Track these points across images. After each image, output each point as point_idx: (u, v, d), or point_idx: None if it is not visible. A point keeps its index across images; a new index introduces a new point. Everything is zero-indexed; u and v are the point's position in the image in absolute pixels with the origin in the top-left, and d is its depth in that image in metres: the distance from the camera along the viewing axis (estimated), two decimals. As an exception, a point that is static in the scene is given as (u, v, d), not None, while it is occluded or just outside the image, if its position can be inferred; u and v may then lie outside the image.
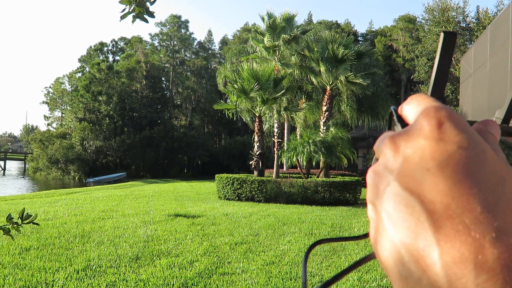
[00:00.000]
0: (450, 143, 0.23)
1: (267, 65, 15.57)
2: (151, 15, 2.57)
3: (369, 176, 0.27)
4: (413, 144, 0.24)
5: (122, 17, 2.51)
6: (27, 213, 2.27)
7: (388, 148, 0.25)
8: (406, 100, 0.28)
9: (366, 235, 0.39)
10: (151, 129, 35.66)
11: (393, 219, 0.23)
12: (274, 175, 14.95)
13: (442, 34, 0.31)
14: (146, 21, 2.56)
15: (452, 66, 24.81)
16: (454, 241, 0.20)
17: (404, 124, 0.28)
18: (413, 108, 0.27)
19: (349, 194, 12.76)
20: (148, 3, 2.55)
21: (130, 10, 2.51)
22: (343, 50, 15.38)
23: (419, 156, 0.23)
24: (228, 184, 13.45)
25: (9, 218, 2.23)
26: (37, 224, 2.37)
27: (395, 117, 0.30)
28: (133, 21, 2.53)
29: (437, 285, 0.20)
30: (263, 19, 17.54)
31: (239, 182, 13.27)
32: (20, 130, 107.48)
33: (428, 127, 0.24)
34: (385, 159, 0.25)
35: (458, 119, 0.24)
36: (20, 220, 2.23)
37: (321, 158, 13.42)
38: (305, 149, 13.26)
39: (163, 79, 44.04)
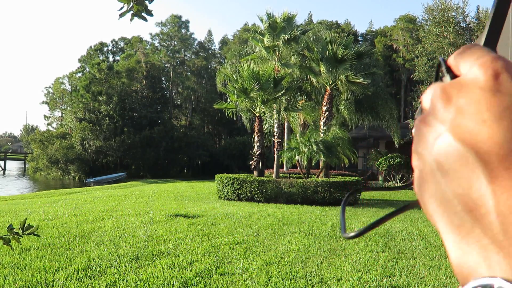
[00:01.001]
0: (507, 95, 0.22)
1: (267, 65, 15.55)
2: (150, 13, 2.56)
3: (416, 127, 0.26)
4: (467, 94, 0.23)
5: (121, 15, 2.51)
6: (29, 224, 2.26)
7: (439, 98, 0.25)
8: (458, 50, 0.28)
9: (407, 186, 0.39)
10: (151, 129, 35.65)
11: (445, 169, 0.23)
12: (274, 175, 14.95)
13: None
14: (145, 19, 2.55)
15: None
16: (510, 191, 0.21)
17: (453, 75, 0.27)
18: (465, 58, 0.26)
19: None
20: (147, 1, 2.54)
21: (129, 8, 2.50)
22: (343, 50, 15.37)
23: (474, 107, 0.23)
24: (228, 184, 13.45)
25: (10, 228, 2.22)
26: (38, 235, 2.36)
27: (443, 68, 0.28)
28: (131, 19, 2.53)
29: (491, 233, 0.21)
30: (261, 19, 17.53)
31: (239, 182, 13.27)
32: (20, 130, 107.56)
33: (484, 77, 0.23)
34: (435, 110, 0.25)
35: None
36: (21, 231, 2.22)
37: (321, 158, 13.42)
38: (305, 149, 13.26)
39: (163, 79, 44.05)
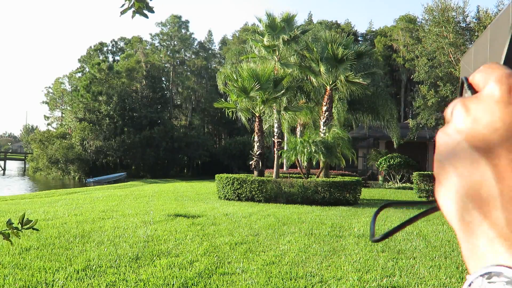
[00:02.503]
0: None
1: (267, 65, 15.55)
2: (151, 10, 2.57)
3: (439, 137, 0.29)
4: (483, 107, 0.26)
5: (122, 13, 2.51)
6: (27, 218, 2.26)
7: (459, 111, 0.28)
8: (479, 69, 0.30)
9: (432, 202, 0.41)
10: (151, 129, 35.64)
11: (459, 171, 0.26)
12: (274, 175, 14.95)
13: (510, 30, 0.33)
14: (146, 16, 2.56)
15: (452, 66, 24.82)
16: None
17: (474, 91, 0.30)
18: (484, 75, 0.29)
19: (349, 194, 12.76)
20: None
21: (130, 6, 2.51)
22: (343, 50, 15.36)
23: (488, 118, 0.26)
24: (228, 184, 13.45)
25: (9, 223, 2.22)
26: (37, 229, 2.36)
27: (465, 85, 0.31)
28: (132, 17, 2.53)
29: (497, 227, 0.24)
30: (260, 20, 17.52)
31: (239, 182, 13.27)
32: (20, 130, 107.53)
33: (500, 92, 0.26)
34: (455, 121, 0.28)
35: None
36: (20, 225, 2.22)
37: (321, 158, 13.42)
38: (305, 149, 13.26)
39: (163, 79, 44.03)
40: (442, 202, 0.28)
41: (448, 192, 0.27)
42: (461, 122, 0.27)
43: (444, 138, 0.28)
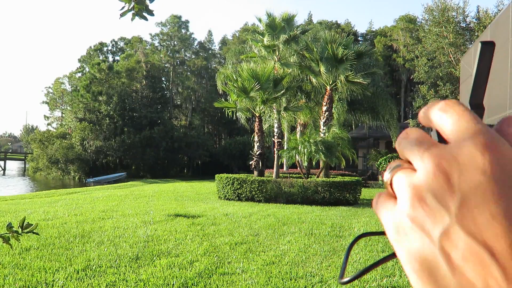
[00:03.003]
0: (509, 178, 0.21)
1: (267, 65, 15.55)
2: (151, 13, 2.57)
3: (411, 193, 0.24)
4: (469, 179, 0.22)
5: (122, 15, 2.51)
6: (28, 222, 2.25)
7: (436, 174, 0.23)
8: (440, 104, 0.26)
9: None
10: (151, 129, 35.64)
11: (455, 264, 0.22)
12: (274, 175, 14.94)
13: (480, 44, 0.31)
14: (146, 18, 2.56)
15: (452, 66, 24.83)
16: None
17: (441, 137, 0.26)
18: (450, 120, 0.25)
19: (349, 194, 12.76)
20: (147, 1, 2.55)
21: (130, 8, 2.51)
22: (343, 50, 15.36)
23: (479, 197, 0.21)
24: (228, 184, 13.45)
25: (9, 227, 2.22)
26: (37, 233, 2.35)
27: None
28: (132, 19, 2.53)
29: None
30: (260, 20, 17.52)
31: (239, 182, 13.27)
32: (20, 130, 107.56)
33: (483, 160, 0.22)
34: (435, 190, 0.23)
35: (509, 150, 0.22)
36: (20, 229, 2.22)
37: (321, 158, 13.42)
38: (305, 149, 13.26)
39: (163, 79, 44.03)
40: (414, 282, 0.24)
41: (433, 279, 0.23)
42: (446, 195, 0.22)
43: (424, 206, 0.23)
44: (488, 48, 0.31)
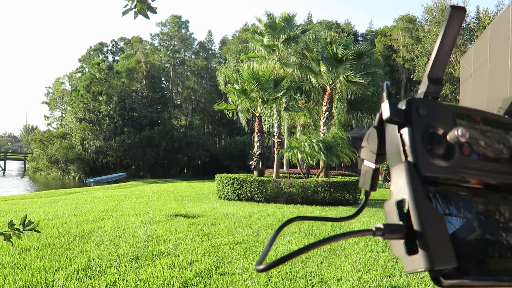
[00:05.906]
0: None
1: (267, 65, 15.56)
2: (153, 11, 2.58)
3: None
4: None
5: (124, 13, 2.52)
6: (29, 220, 2.26)
7: None
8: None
9: (348, 217, 0.39)
10: (151, 129, 35.65)
11: None
12: (274, 175, 14.95)
13: (449, 8, 0.29)
14: (148, 17, 2.56)
15: (452, 66, 24.79)
16: None
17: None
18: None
19: (349, 194, 12.76)
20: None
21: (132, 6, 2.51)
22: (343, 50, 15.36)
23: None
24: (228, 184, 13.45)
25: (11, 224, 2.22)
26: (38, 231, 2.36)
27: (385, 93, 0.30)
28: (135, 17, 2.54)
29: None
30: (259, 20, 17.53)
31: (239, 182, 13.27)
32: (20, 130, 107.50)
33: None
34: None
35: None
36: (21, 227, 2.22)
37: (322, 158, 13.43)
38: (306, 149, 13.26)
39: (163, 79, 44.02)
40: None
41: None
42: None
43: None
44: (457, 14, 0.28)
